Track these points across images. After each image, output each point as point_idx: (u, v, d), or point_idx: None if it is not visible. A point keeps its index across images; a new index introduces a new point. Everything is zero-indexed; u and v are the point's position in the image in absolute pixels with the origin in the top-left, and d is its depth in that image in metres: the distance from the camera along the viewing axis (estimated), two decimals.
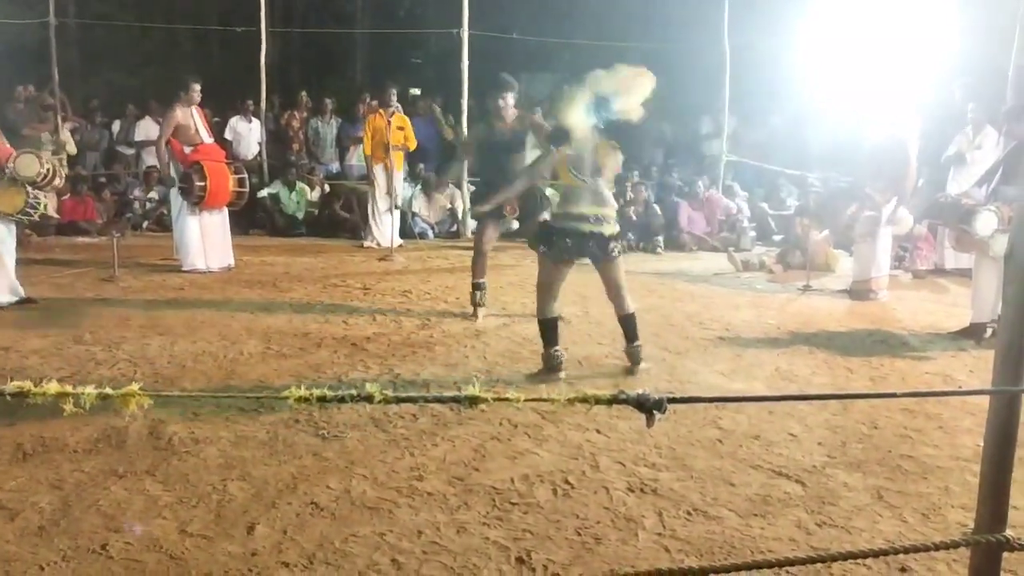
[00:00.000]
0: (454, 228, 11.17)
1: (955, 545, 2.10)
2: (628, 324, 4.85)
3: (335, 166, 12.29)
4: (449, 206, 11.20)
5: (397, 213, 9.75)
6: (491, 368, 4.97)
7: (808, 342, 5.69)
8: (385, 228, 9.58)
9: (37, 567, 2.66)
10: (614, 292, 4.81)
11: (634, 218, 10.20)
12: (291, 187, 11.17)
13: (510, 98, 5.98)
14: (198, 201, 7.89)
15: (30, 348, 5.19)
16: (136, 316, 6.09)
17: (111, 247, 7.70)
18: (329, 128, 12.30)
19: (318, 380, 4.63)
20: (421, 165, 11.38)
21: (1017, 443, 2.00)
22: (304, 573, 2.67)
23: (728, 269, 8.77)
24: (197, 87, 8.00)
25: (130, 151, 12.61)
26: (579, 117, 4.57)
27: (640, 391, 1.69)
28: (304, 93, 12.61)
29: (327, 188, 11.51)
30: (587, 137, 4.64)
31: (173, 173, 8.00)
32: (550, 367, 4.74)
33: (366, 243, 9.95)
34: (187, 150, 7.94)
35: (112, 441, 3.68)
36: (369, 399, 1.67)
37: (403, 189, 10.30)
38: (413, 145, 9.94)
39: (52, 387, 1.61)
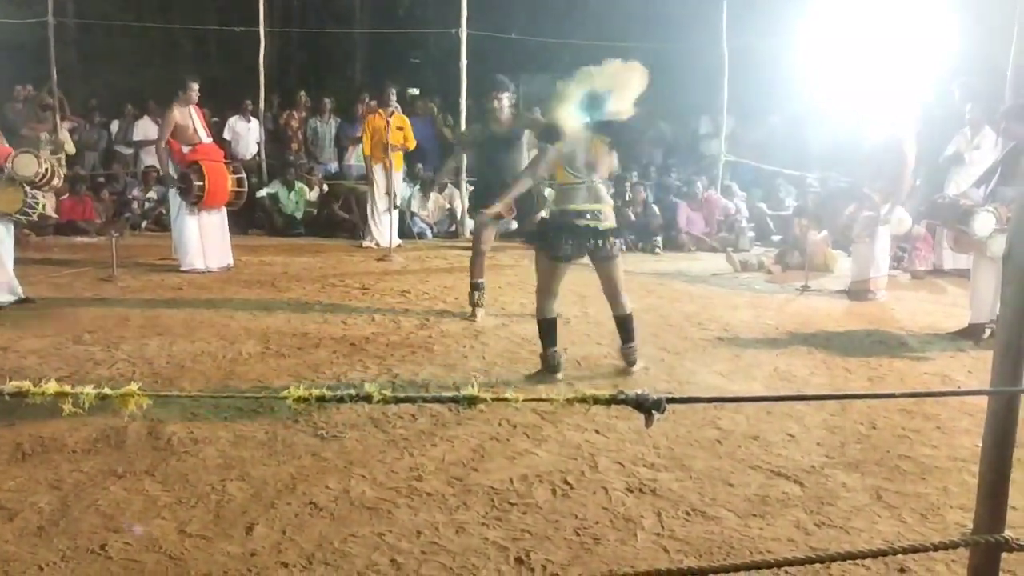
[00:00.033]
0: (453, 228, 11.17)
1: (954, 545, 2.10)
2: (624, 325, 4.84)
3: (334, 166, 12.29)
4: (448, 206, 11.21)
5: (396, 213, 9.75)
6: (490, 368, 4.97)
7: (807, 342, 5.70)
8: (384, 228, 9.58)
9: (36, 567, 2.66)
10: (612, 292, 4.80)
11: (633, 218, 10.19)
12: (290, 187, 11.16)
13: (505, 99, 6.00)
14: (196, 201, 7.88)
15: (28, 348, 5.19)
16: (135, 316, 6.09)
17: (110, 247, 7.70)
18: (328, 128, 12.29)
19: (317, 380, 4.64)
20: (420, 165, 11.38)
21: (1016, 443, 2.00)
22: (303, 573, 2.67)
23: (726, 269, 8.77)
24: (195, 86, 7.99)
25: (129, 151, 12.62)
26: (571, 114, 4.57)
27: (639, 391, 1.70)
28: (303, 93, 12.61)
29: (326, 188, 11.51)
30: (580, 134, 4.64)
31: (173, 173, 8.00)
32: (548, 368, 4.74)
33: (365, 243, 9.95)
34: (185, 150, 7.94)
35: (111, 441, 3.67)
36: (368, 399, 1.67)
37: (402, 189, 10.31)
38: (412, 145, 9.95)
39: (51, 387, 1.61)
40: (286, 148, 12.17)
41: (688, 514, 3.10)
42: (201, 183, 7.80)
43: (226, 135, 11.67)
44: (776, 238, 10.48)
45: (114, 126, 12.82)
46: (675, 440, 3.81)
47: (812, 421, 4.09)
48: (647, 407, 1.68)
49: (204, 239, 8.05)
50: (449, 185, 11.16)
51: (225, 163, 8.34)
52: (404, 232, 10.26)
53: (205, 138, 8.17)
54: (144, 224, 11.05)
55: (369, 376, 4.73)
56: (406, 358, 5.13)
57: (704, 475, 3.45)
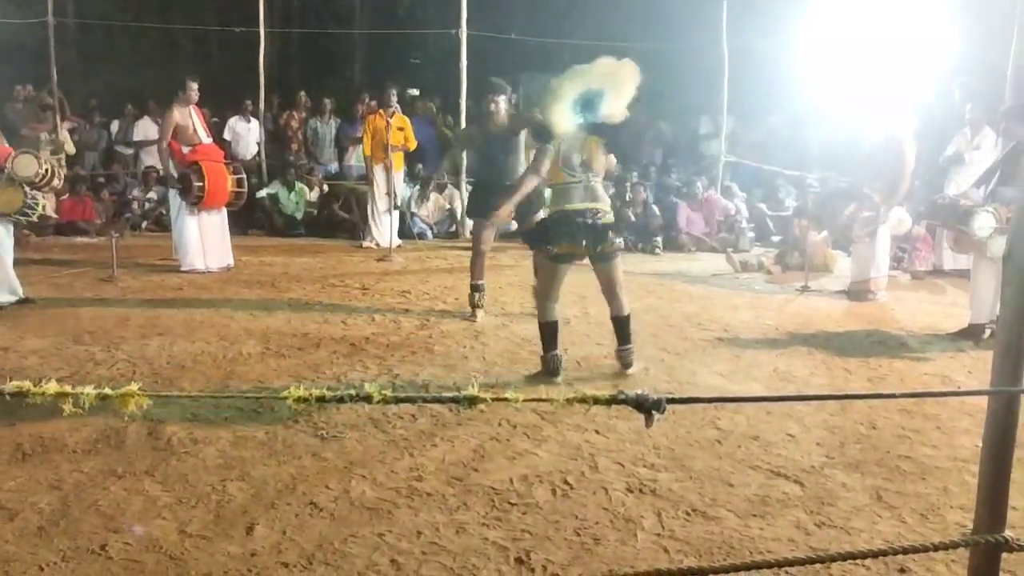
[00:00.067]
0: (453, 228, 11.17)
1: (954, 546, 2.10)
2: (622, 326, 4.82)
3: (334, 166, 12.29)
4: (448, 206, 11.21)
5: (396, 213, 9.75)
6: (490, 368, 4.97)
7: (806, 343, 5.70)
8: (384, 228, 9.58)
9: (36, 567, 2.66)
10: (610, 292, 4.79)
11: (633, 218, 10.20)
12: (290, 187, 11.16)
13: (502, 101, 6.02)
14: (196, 201, 7.88)
15: (29, 348, 5.19)
16: (135, 316, 6.09)
17: (110, 247, 7.70)
18: (328, 128, 12.29)
19: (317, 380, 4.64)
20: (420, 165, 11.38)
21: (1016, 444, 2.00)
22: (303, 573, 2.67)
23: (726, 270, 8.77)
24: (194, 86, 7.99)
25: (129, 151, 12.62)
26: (564, 112, 4.56)
27: (639, 391, 1.70)
28: (303, 93, 12.60)
29: (326, 188, 11.51)
30: (575, 133, 4.64)
31: (174, 173, 8.00)
32: (549, 371, 4.73)
33: (365, 243, 9.95)
34: (185, 150, 7.94)
35: (111, 441, 3.68)
36: (368, 399, 1.67)
37: (402, 189, 10.31)
38: (413, 145, 9.95)
39: (51, 387, 1.61)
40: (286, 148, 12.17)
41: (688, 514, 3.10)
42: (201, 183, 7.80)
43: (226, 135, 11.66)
44: (776, 238, 10.48)
45: (114, 126, 12.82)
46: (675, 440, 3.81)
47: (812, 421, 4.09)
48: (647, 407, 1.68)
49: (204, 239, 8.05)
50: (449, 185, 11.17)
51: (225, 163, 8.33)
52: (404, 232, 10.26)
53: (205, 138, 8.17)
54: (144, 224, 11.05)
55: (369, 376, 4.73)
56: (406, 358, 5.13)
57: (704, 475, 3.45)
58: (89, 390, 1.61)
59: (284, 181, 11.21)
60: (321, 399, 1.68)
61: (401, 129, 9.63)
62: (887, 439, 3.89)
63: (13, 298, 6.29)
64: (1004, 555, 2.03)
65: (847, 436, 3.92)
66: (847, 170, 8.08)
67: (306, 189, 11.29)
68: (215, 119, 11.59)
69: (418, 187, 11.13)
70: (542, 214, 5.54)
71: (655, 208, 10.58)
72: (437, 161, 11.50)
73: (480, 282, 6.24)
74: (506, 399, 1.75)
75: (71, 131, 11.66)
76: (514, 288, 7.28)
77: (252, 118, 11.91)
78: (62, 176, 6.77)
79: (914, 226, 8.08)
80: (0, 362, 4.89)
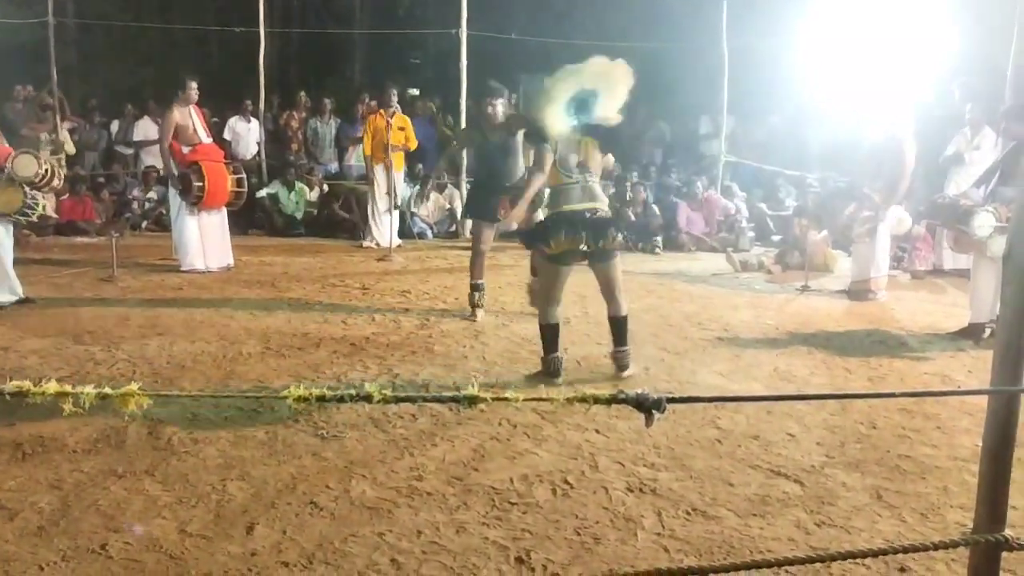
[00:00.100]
0: (452, 228, 11.17)
1: (954, 545, 2.11)
2: (619, 327, 4.79)
3: (334, 166, 12.29)
4: (448, 206, 11.20)
5: (396, 213, 9.75)
6: (490, 368, 4.97)
7: (806, 342, 5.70)
8: (384, 228, 9.58)
9: (36, 567, 2.66)
10: (609, 292, 4.77)
11: (633, 218, 10.19)
12: (290, 187, 11.16)
13: (499, 104, 6.03)
14: (196, 201, 7.89)
15: (29, 348, 5.19)
16: (135, 316, 6.09)
17: (110, 247, 7.71)
18: (328, 128, 12.29)
19: (317, 380, 4.64)
20: (420, 165, 11.39)
21: (1016, 443, 2.00)
22: (303, 573, 2.67)
23: (727, 269, 8.77)
24: (194, 85, 7.99)
25: (129, 151, 12.61)
26: (558, 113, 4.56)
27: (639, 391, 1.70)
28: (303, 93, 12.60)
29: (326, 188, 11.51)
30: (570, 135, 4.64)
31: (175, 172, 7.99)
32: (549, 372, 4.73)
33: (365, 243, 9.96)
34: (185, 150, 7.94)
35: (111, 441, 3.68)
36: (368, 399, 1.67)
37: (403, 189, 10.31)
38: (414, 145, 9.96)
39: (51, 387, 1.61)
40: (286, 148, 12.17)
41: (688, 514, 3.10)
42: (201, 183, 7.80)
43: (226, 135, 11.66)
44: (776, 238, 10.48)
45: (114, 126, 12.81)
46: (675, 440, 3.81)
47: (812, 421, 4.09)
48: (647, 407, 1.68)
49: (204, 239, 8.05)
50: (449, 185, 11.17)
51: (225, 163, 8.33)
52: (404, 232, 10.26)
53: (205, 138, 8.17)
54: (144, 224, 11.05)
55: (369, 376, 4.73)
56: (406, 358, 5.13)
57: (704, 475, 3.45)
58: (89, 390, 1.61)
59: (284, 181, 11.21)
60: (321, 399, 1.68)
61: (402, 129, 9.64)
62: (887, 439, 3.90)
63: (13, 298, 6.29)
64: (1004, 554, 2.03)
65: (847, 435, 3.92)
66: (847, 170, 8.08)
67: (306, 189, 11.30)
68: (215, 119, 11.59)
69: (418, 187, 11.13)
70: (540, 215, 5.54)
71: (655, 208, 10.59)
72: (437, 161, 11.52)
73: (480, 282, 6.24)
74: (506, 399, 1.75)
75: (71, 131, 11.66)
76: (514, 288, 7.27)
77: (252, 118, 11.91)
78: (62, 176, 6.77)
79: (914, 226, 8.08)
80: (0, 362, 4.89)
